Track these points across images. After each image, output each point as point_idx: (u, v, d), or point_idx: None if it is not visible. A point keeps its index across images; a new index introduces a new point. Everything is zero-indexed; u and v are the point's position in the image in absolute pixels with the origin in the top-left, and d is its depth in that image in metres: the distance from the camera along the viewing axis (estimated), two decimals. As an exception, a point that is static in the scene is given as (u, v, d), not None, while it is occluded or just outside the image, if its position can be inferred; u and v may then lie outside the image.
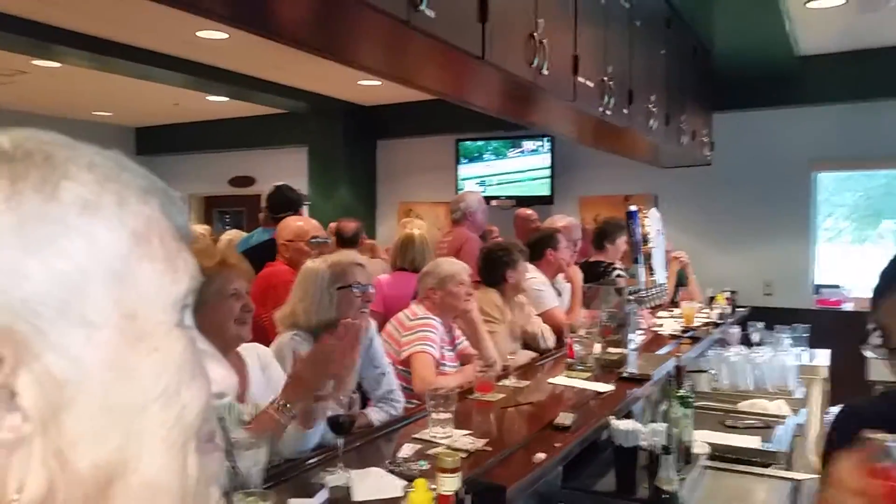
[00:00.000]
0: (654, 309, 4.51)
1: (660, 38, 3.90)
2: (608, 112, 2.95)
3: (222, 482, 0.46)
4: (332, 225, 4.53)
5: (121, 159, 0.43)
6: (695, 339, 3.72)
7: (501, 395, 2.48)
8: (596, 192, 6.97)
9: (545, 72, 2.31)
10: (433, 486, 1.17)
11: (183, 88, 6.67)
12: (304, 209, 3.77)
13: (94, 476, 0.38)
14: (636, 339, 2.86)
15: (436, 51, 1.92)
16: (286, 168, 8.29)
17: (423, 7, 1.60)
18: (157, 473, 0.40)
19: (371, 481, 1.57)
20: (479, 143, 7.55)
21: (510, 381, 2.65)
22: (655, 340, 3.64)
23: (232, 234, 4.81)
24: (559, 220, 4.30)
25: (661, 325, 4.04)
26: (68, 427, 0.37)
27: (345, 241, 4.39)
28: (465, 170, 7.64)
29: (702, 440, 2.48)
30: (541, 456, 1.80)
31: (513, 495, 1.52)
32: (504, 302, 3.24)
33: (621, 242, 3.84)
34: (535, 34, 2.27)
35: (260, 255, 3.16)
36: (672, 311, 4.44)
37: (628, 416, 2.50)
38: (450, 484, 1.16)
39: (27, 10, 4.69)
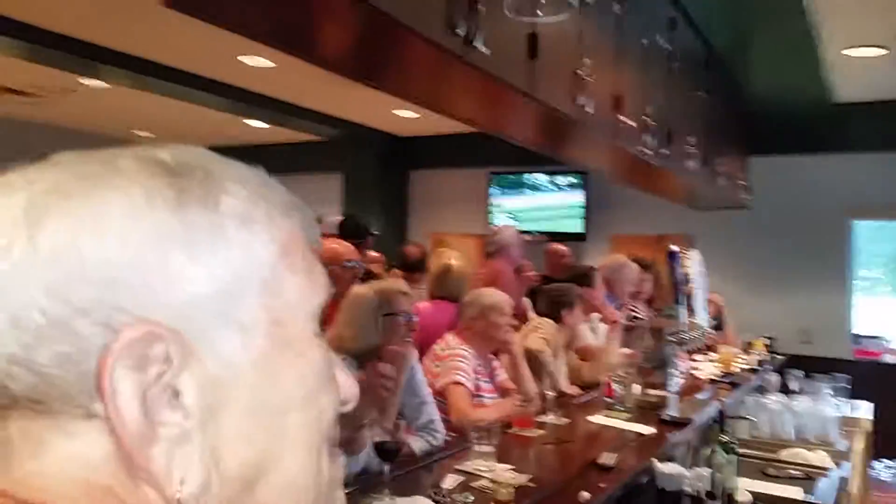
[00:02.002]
0: (690, 352, 4.45)
1: (698, 79, 3.91)
2: (648, 151, 2.94)
3: (342, 495, 0.46)
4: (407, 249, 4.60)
5: (264, 176, 0.45)
6: (734, 385, 3.64)
7: (540, 432, 2.44)
8: (630, 232, 6.91)
9: (589, 109, 2.32)
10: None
11: (224, 112, 6.81)
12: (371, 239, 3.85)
13: (242, 474, 0.39)
14: (676, 381, 2.81)
15: (483, 85, 1.94)
16: (321, 194, 8.36)
17: (477, 43, 1.62)
18: (297, 474, 0.41)
19: (417, 511, 1.55)
20: (513, 176, 7.57)
21: (549, 418, 2.61)
22: (693, 384, 3.58)
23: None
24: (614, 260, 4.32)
25: (698, 369, 3.97)
26: (223, 426, 0.38)
27: (408, 266, 4.40)
28: (497, 202, 7.65)
29: (744, 488, 2.42)
30: (586, 495, 1.77)
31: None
32: (560, 337, 3.23)
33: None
34: (580, 72, 2.29)
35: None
36: (709, 354, 4.36)
37: (670, 460, 2.44)
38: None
39: (77, 30, 4.83)
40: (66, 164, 0.39)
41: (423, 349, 2.82)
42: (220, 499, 0.38)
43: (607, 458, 2.08)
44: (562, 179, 7.29)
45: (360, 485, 1.74)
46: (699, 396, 3.26)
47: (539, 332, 3.09)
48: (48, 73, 5.82)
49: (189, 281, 0.37)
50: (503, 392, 2.72)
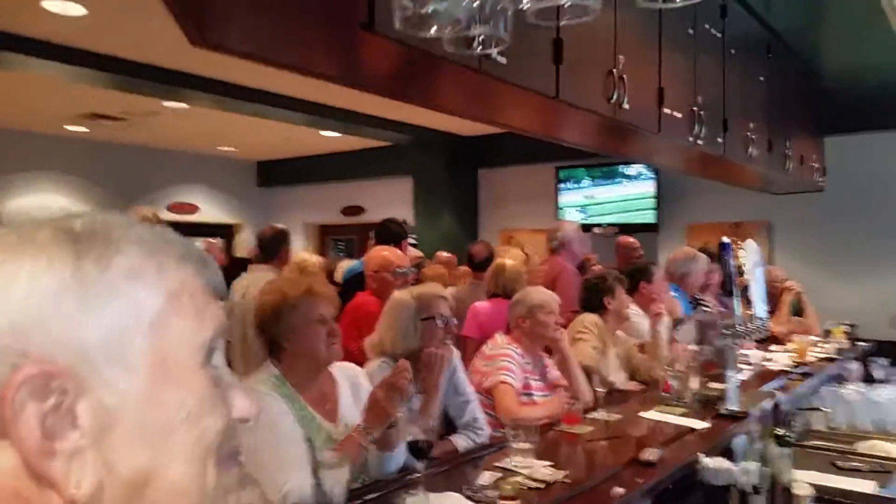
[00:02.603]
0: (765, 343, 4.31)
1: (759, 64, 3.78)
2: (699, 142, 2.89)
3: (244, 494, 0.54)
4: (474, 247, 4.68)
5: (166, 233, 0.54)
6: (806, 375, 3.52)
7: (589, 428, 2.46)
8: (705, 220, 6.74)
9: (625, 106, 2.31)
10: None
11: (300, 125, 7.10)
12: (407, 241, 3.91)
13: (133, 479, 0.48)
14: (737, 375, 2.75)
15: (510, 93, 1.98)
16: (393, 198, 8.58)
17: (494, 56, 1.67)
18: (181, 479, 0.50)
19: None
20: (580, 169, 7.50)
21: (600, 414, 2.62)
22: (763, 376, 3.49)
23: (345, 264, 5.05)
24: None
25: (771, 360, 3.86)
26: (114, 442, 0.47)
27: (475, 265, 4.49)
28: (565, 197, 7.61)
29: (807, 481, 2.35)
30: (619, 491, 1.79)
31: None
32: (606, 327, 3.23)
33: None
34: (614, 70, 2.29)
35: (357, 284, 3.32)
36: (786, 344, 4.23)
37: (726, 454, 2.41)
38: (511, 513, 1.20)
39: (158, 59, 5.18)
40: None
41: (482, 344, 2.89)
42: (113, 499, 0.47)
43: (650, 454, 2.09)
44: (631, 170, 7.18)
45: (396, 482, 1.83)
46: (765, 388, 3.18)
47: (584, 341, 3.09)
48: (134, 100, 6.25)
49: (81, 328, 0.47)
50: (554, 389, 2.76)
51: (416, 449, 1.77)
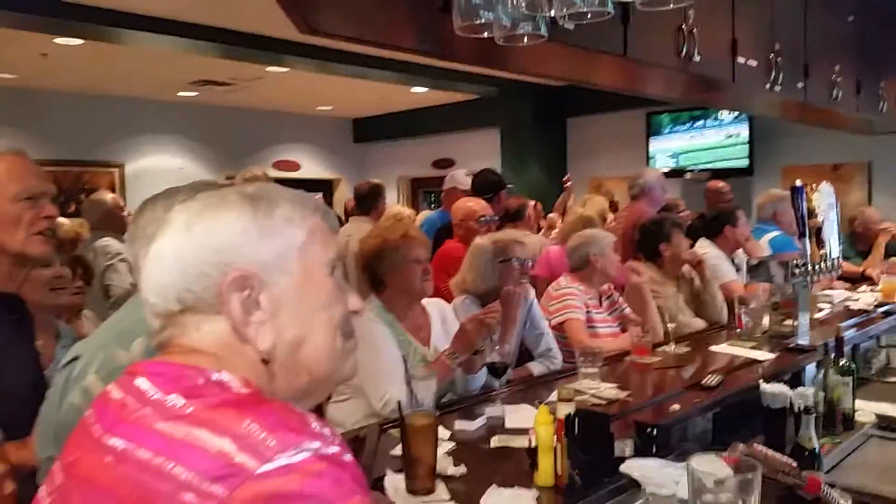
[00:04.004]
0: (856, 284, 4.33)
1: (846, 4, 3.71)
2: (777, 88, 2.96)
3: (353, 357, 0.84)
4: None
5: (303, 194, 0.84)
6: (888, 314, 3.56)
7: (658, 359, 2.67)
8: (801, 162, 6.60)
9: (696, 59, 2.44)
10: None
11: (391, 83, 7.42)
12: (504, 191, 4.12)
13: (293, 341, 0.79)
14: (808, 313, 2.87)
15: (582, 55, 2.16)
16: (481, 149, 8.80)
17: (563, 22, 1.86)
18: (321, 343, 0.80)
19: (521, 414, 1.92)
20: (671, 115, 7.45)
21: (670, 348, 2.82)
22: (841, 314, 3.56)
23: (422, 215, 5.37)
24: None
25: (856, 300, 3.90)
26: (281, 318, 0.78)
27: (509, 217, 4.66)
28: (656, 143, 7.59)
29: (873, 410, 2.48)
30: (676, 407, 2.02)
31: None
32: (662, 276, 3.37)
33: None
34: (683, 26, 2.41)
35: (442, 231, 3.63)
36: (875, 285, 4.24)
37: (790, 384, 2.56)
38: (564, 409, 1.46)
39: (261, 27, 5.58)
40: (202, 198, 0.80)
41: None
42: (282, 351, 0.78)
43: (711, 379, 2.29)
44: (724, 114, 7.07)
45: (478, 397, 2.15)
46: (843, 326, 3.26)
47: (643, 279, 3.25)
48: (240, 66, 6.73)
49: (260, 250, 0.77)
50: (626, 324, 2.98)
51: (493, 369, 2.07)
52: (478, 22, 1.36)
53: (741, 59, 2.79)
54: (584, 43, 2.10)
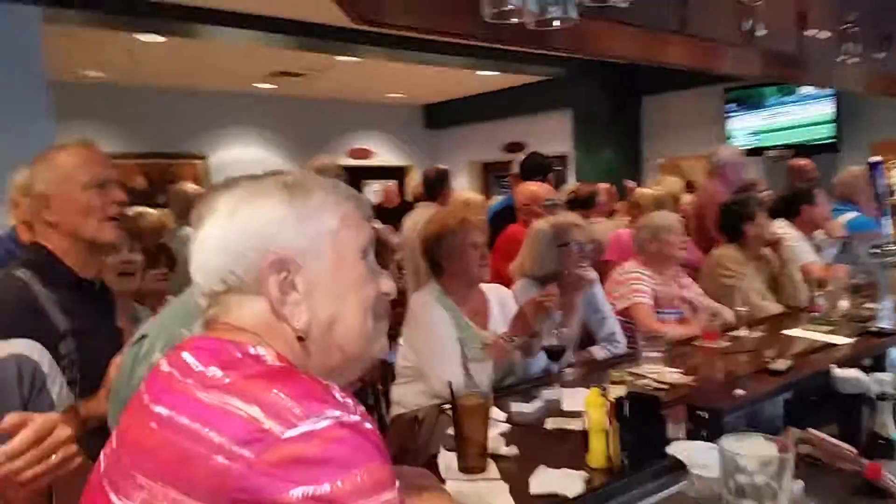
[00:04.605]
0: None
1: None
2: (853, 60, 2.81)
3: (383, 339, 0.89)
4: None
5: (337, 182, 0.89)
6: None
7: (727, 343, 2.61)
8: (892, 136, 6.23)
9: (759, 33, 2.35)
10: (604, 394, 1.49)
11: (459, 68, 7.43)
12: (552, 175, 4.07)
13: (327, 320, 0.83)
14: (886, 294, 2.73)
15: (638, 34, 2.12)
16: (552, 132, 8.71)
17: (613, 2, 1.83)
18: (353, 323, 0.85)
19: (578, 397, 1.92)
20: (751, 90, 7.15)
21: (741, 332, 2.74)
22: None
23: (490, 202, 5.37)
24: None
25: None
26: (316, 299, 0.83)
27: (580, 203, 4.61)
28: (735, 121, 7.31)
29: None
30: (740, 392, 1.97)
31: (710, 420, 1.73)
32: (745, 257, 3.26)
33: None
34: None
35: (506, 215, 3.63)
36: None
37: (871, 369, 2.46)
38: (615, 391, 1.46)
39: (331, 18, 5.69)
40: (243, 185, 0.85)
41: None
42: (316, 330, 0.82)
43: (780, 364, 2.22)
44: (807, 89, 6.73)
45: (539, 380, 2.16)
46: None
47: (720, 276, 3.15)
48: (312, 57, 6.89)
49: (296, 235, 0.82)
50: (694, 308, 2.91)
51: (550, 353, 2.08)
52: (506, 9, 1.37)
53: (810, 32, 2.66)
54: (638, 21, 2.06)
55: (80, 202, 1.60)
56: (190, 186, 4.61)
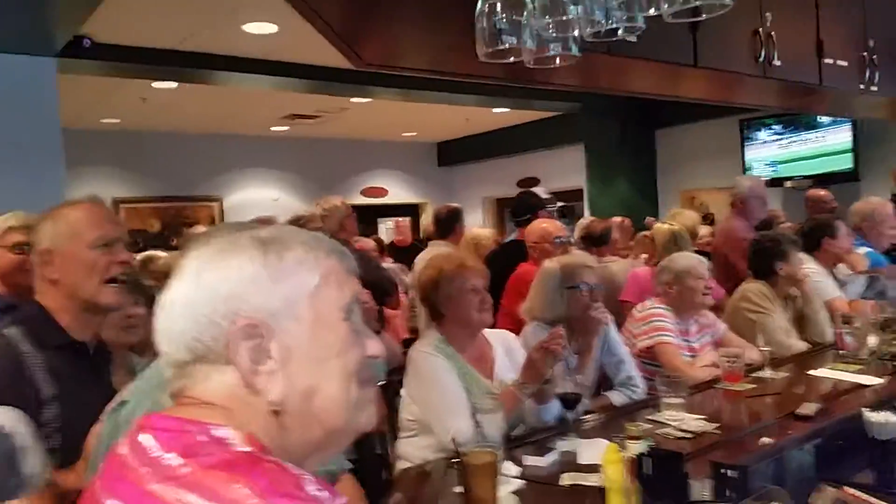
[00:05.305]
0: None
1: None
2: (872, 88, 2.75)
3: (371, 411, 0.80)
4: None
5: (319, 236, 0.81)
6: None
7: (751, 386, 2.50)
8: (914, 165, 6.10)
9: (776, 63, 2.30)
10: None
11: (472, 106, 7.45)
12: (546, 212, 4.02)
13: (305, 391, 0.75)
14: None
15: (646, 67, 2.08)
16: (566, 166, 8.67)
17: (621, 33, 1.78)
18: (334, 392, 0.76)
19: (596, 449, 1.81)
20: (767, 121, 7.07)
21: (766, 373, 2.63)
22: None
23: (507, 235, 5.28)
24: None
25: None
26: (293, 367, 0.74)
27: (593, 240, 4.53)
28: (752, 152, 7.22)
29: None
30: (766, 440, 1.86)
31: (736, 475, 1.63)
32: (775, 294, 3.13)
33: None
34: (760, 29, 2.28)
35: (509, 253, 3.58)
36: None
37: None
38: (634, 448, 1.37)
39: (343, 61, 5.72)
40: (214, 242, 0.78)
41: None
42: (293, 402, 0.74)
43: (807, 408, 2.11)
44: (824, 118, 6.64)
45: (552, 429, 2.06)
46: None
47: (748, 311, 3.04)
48: (326, 99, 6.95)
49: (270, 296, 0.74)
50: (718, 348, 2.80)
51: (565, 400, 1.98)
52: (500, 48, 1.32)
53: (829, 60, 2.61)
54: (648, 55, 2.02)
55: (84, 260, 1.55)
56: (203, 230, 4.60)
